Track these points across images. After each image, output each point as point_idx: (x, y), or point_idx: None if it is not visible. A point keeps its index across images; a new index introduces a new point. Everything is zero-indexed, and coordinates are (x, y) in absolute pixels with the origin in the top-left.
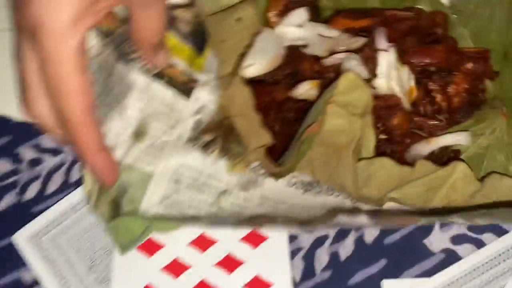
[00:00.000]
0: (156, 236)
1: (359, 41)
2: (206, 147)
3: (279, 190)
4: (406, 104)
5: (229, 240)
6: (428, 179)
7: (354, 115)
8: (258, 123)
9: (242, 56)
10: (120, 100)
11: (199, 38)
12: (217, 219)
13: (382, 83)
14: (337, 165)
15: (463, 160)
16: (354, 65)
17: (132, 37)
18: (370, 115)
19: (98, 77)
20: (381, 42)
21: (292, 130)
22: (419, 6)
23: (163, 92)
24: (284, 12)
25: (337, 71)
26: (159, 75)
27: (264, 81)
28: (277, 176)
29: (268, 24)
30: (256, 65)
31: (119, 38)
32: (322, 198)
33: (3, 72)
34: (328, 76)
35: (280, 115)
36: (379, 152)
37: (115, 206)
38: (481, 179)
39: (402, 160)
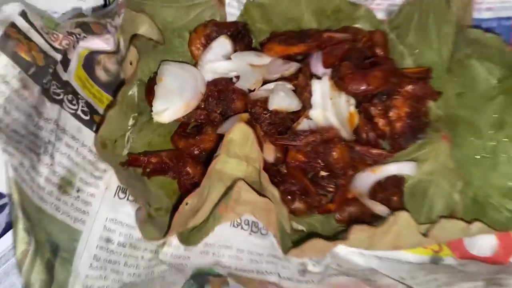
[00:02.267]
0: None
1: (292, 67)
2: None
3: (224, 233)
4: (345, 134)
5: None
6: (371, 230)
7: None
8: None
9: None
10: (48, 144)
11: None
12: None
13: (318, 114)
14: (269, 221)
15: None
16: (282, 97)
17: None
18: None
19: (17, 116)
20: (316, 68)
21: None
22: (357, 26)
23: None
24: (207, 44)
25: (265, 105)
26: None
27: (187, 133)
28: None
29: (194, 59)
30: (171, 108)
31: (44, 74)
32: (269, 240)
33: None
34: (255, 111)
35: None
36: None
37: (49, 270)
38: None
39: (346, 194)
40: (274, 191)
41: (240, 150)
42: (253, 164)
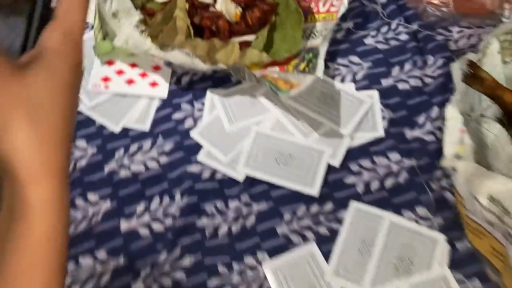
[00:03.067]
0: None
1: None
2: (142, 32)
3: (175, 55)
4: (229, 18)
5: (144, 65)
6: (225, 49)
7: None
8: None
9: None
10: None
11: None
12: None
13: (218, 7)
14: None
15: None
16: None
17: None
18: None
19: None
20: None
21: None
22: None
23: (129, 3)
24: None
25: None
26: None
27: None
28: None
29: None
30: None
31: None
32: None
33: None
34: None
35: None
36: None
37: (103, 37)
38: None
39: (225, 39)
40: (188, 20)
41: (181, 6)
42: (184, 17)
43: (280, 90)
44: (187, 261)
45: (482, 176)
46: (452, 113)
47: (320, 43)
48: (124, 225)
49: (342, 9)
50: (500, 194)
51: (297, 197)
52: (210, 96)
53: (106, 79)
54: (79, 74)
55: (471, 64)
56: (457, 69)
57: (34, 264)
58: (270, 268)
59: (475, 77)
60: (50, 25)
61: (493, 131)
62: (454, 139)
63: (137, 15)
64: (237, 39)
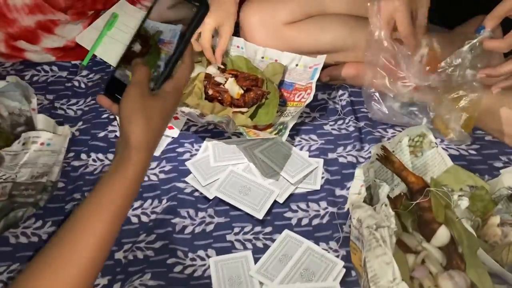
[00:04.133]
0: None
1: (228, 78)
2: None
3: (192, 112)
4: (232, 94)
5: None
6: (223, 112)
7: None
8: None
9: None
10: None
11: None
12: None
13: (226, 86)
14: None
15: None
16: (219, 77)
17: None
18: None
19: None
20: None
21: None
22: (257, 75)
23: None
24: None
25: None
26: None
27: None
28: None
29: None
30: None
31: None
32: None
33: None
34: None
35: None
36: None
37: None
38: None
39: (226, 107)
40: (202, 89)
41: (200, 79)
42: (201, 87)
43: (248, 136)
44: (157, 244)
45: (357, 207)
46: (358, 174)
47: (289, 119)
48: None
49: (308, 101)
50: (361, 215)
51: (247, 218)
52: (206, 143)
53: None
54: (175, 107)
55: (385, 149)
56: (374, 151)
57: (127, 189)
58: (213, 260)
59: (387, 159)
60: (170, 81)
61: (384, 191)
62: (356, 191)
63: None
64: (234, 109)
